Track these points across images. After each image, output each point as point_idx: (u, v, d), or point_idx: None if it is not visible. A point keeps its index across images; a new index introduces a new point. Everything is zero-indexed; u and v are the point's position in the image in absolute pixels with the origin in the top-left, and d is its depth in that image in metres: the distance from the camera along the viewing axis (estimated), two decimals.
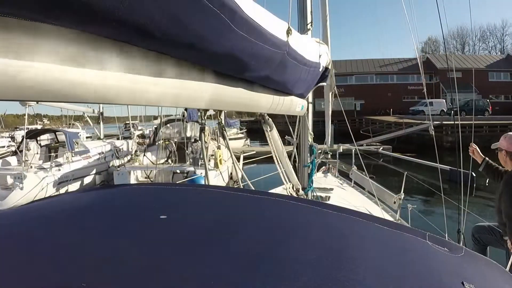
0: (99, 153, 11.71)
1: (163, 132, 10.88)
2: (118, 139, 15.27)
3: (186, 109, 9.74)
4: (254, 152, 11.60)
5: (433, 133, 3.60)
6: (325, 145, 5.01)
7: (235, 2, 0.92)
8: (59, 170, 9.33)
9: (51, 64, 0.64)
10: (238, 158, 11.10)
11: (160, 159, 9.66)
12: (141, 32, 0.73)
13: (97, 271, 0.57)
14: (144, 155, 9.51)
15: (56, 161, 9.81)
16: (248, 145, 20.33)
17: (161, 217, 0.81)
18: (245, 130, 24.65)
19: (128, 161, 9.93)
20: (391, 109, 32.34)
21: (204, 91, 1.15)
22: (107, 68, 0.74)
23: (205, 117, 1.89)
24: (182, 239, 0.72)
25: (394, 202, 3.84)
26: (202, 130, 1.97)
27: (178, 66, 0.99)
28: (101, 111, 17.31)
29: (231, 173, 10.14)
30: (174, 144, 9.59)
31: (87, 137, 16.64)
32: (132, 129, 17.62)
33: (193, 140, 10.17)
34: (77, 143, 11.29)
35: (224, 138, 2.29)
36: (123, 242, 0.69)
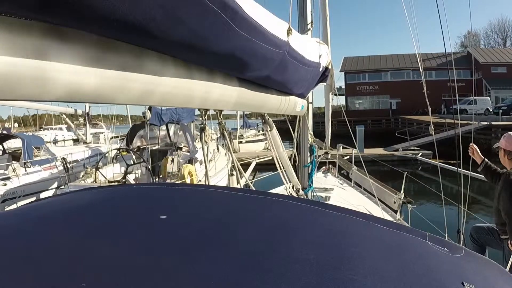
0: (69, 162, 9.46)
1: (138, 137, 8.56)
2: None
3: (150, 109, 7.56)
4: (271, 157, 9.61)
5: (433, 133, 3.60)
6: (324, 146, 5.01)
7: (236, 2, 0.92)
8: (5, 184, 7.61)
9: (53, 63, 0.64)
10: (248, 165, 9.24)
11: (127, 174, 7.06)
12: (142, 32, 0.73)
13: (97, 271, 0.57)
14: (97, 169, 7.09)
15: (4, 173, 7.97)
16: (267, 148, 17.05)
17: (161, 217, 0.81)
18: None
19: (85, 174, 7.74)
20: (430, 108, 29.05)
21: (205, 91, 1.15)
22: (100, 66, 0.75)
23: (206, 117, 1.87)
24: (182, 239, 0.72)
25: (394, 202, 3.85)
26: (202, 130, 1.95)
27: (180, 66, 0.99)
28: (87, 111, 14.75)
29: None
30: (133, 154, 7.47)
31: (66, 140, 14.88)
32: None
33: (174, 148, 8.07)
34: (37, 149, 9.55)
35: (224, 138, 2.28)
36: (123, 242, 0.69)
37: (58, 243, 0.67)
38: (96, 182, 6.87)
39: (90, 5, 0.60)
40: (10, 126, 21.64)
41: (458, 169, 2.89)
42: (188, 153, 8.03)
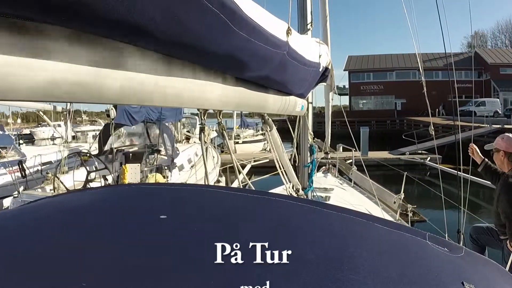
0: (40, 164, 8.23)
1: (118, 138, 7.35)
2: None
3: (115, 106, 6.32)
4: (268, 160, 8.75)
5: (433, 133, 3.59)
6: (324, 147, 5.01)
7: (235, 2, 0.92)
8: None
9: (56, 62, 0.64)
10: (242, 168, 7.96)
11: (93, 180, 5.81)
12: (140, 32, 0.73)
13: (97, 271, 0.57)
14: (55, 176, 5.91)
15: None
16: (266, 150, 15.54)
17: (161, 217, 0.81)
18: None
19: (46, 180, 6.44)
20: (436, 109, 27.32)
21: (204, 91, 1.15)
22: (99, 66, 0.75)
23: (205, 116, 1.87)
24: (182, 239, 0.72)
25: (394, 202, 3.86)
26: (202, 130, 1.95)
27: (179, 66, 0.99)
28: (68, 108, 13.50)
29: None
30: (95, 159, 6.21)
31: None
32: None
33: (150, 151, 6.93)
34: (4, 149, 8.44)
35: (224, 139, 2.28)
36: (123, 242, 0.69)
37: (58, 243, 0.67)
38: (55, 190, 5.80)
39: (89, 5, 0.60)
40: (10, 122, 21.23)
41: (459, 172, 2.88)
42: (166, 157, 7.08)
